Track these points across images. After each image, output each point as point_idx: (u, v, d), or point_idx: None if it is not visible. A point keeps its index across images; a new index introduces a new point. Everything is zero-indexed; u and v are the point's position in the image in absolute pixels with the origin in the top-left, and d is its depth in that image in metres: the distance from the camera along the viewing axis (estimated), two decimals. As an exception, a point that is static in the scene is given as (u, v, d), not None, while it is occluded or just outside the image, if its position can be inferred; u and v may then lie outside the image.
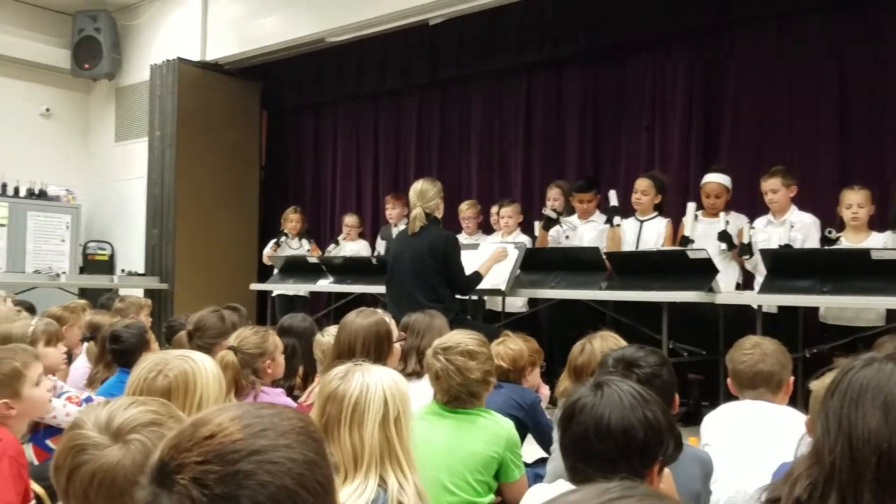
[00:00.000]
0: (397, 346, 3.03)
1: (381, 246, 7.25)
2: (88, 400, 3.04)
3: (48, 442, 2.78)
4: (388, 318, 2.98)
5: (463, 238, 6.24)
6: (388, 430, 1.68)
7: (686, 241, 4.90)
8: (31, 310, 4.86)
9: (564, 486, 1.49)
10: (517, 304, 5.91)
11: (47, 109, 9.24)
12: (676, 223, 5.28)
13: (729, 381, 2.54)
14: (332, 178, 8.77)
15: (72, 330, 3.97)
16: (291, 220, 7.45)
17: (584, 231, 5.76)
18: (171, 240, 8.20)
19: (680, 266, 4.47)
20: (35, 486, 2.37)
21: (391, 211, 7.08)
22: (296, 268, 6.91)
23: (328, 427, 1.68)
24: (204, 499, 0.77)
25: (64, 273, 8.00)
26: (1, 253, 8.43)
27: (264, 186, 9.14)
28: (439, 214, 4.79)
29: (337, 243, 7.30)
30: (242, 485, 0.77)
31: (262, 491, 0.77)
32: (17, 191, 8.57)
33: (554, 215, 5.61)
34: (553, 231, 5.73)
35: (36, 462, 2.73)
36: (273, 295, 7.21)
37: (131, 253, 8.87)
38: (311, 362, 3.71)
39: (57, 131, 9.36)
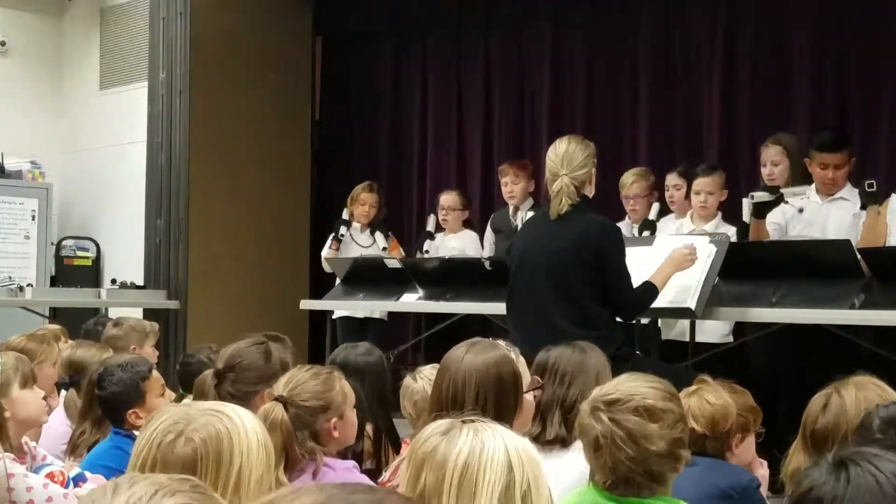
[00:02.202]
0: (529, 397, 3.02)
1: (492, 240, 7.35)
2: (79, 479, 3.13)
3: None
4: (515, 355, 2.98)
5: (626, 228, 6.21)
6: None
7: None
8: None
9: None
10: (716, 331, 5.86)
11: (2, 43, 9.59)
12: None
13: None
14: (420, 138, 8.89)
15: (42, 370, 4.04)
16: (364, 201, 7.56)
17: (827, 214, 5.64)
18: (182, 235, 8.44)
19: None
20: None
21: (512, 187, 7.14)
22: (368, 275, 7.03)
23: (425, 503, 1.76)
24: None
25: (29, 285, 8.24)
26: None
27: (319, 152, 9.27)
28: (591, 192, 4.78)
29: (431, 237, 7.38)
30: None
31: None
32: (-43, 164, 9.00)
33: (769, 197, 5.47)
34: (776, 214, 5.59)
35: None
36: (335, 317, 7.34)
37: (125, 255, 9.10)
38: (385, 416, 3.85)
39: (15, 75, 9.68)
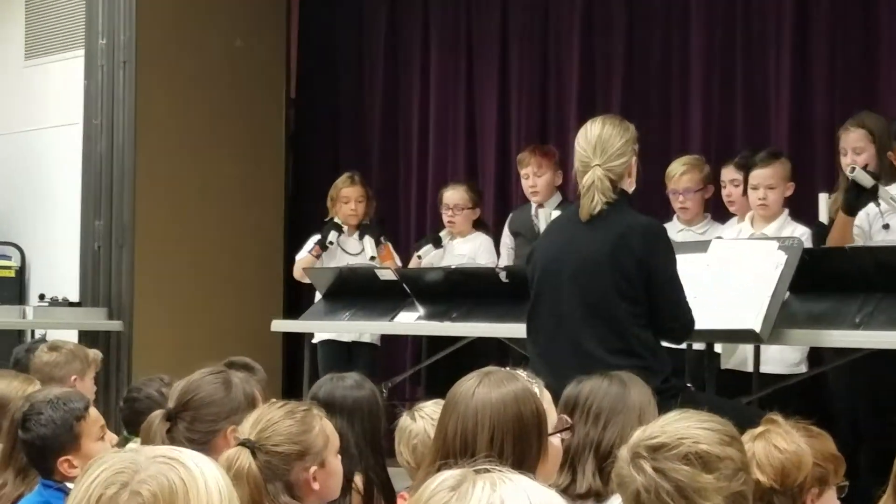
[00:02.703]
0: (556, 441, 3.01)
1: (511, 246, 7.37)
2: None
3: None
4: (538, 389, 2.98)
5: (674, 231, 6.20)
6: None
7: None
8: None
9: None
10: (785, 359, 5.85)
11: None
12: None
13: None
14: (420, 119, 8.91)
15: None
16: (347, 197, 7.59)
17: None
18: (127, 240, 8.43)
19: None
20: None
21: (535, 180, 7.11)
22: (356, 289, 7.03)
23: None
24: None
25: (-62, 302, 8.24)
26: None
27: (296, 136, 9.31)
28: (631, 186, 4.77)
29: (437, 244, 7.41)
30: None
31: None
32: None
33: (868, 181, 5.37)
34: (861, 217, 5.53)
35: None
36: (315, 341, 7.36)
37: (55, 264, 9.11)
38: (377, 464, 3.85)
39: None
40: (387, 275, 6.94)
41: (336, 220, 7.58)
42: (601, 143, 4.65)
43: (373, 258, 7.44)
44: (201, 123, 8.70)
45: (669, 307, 4.63)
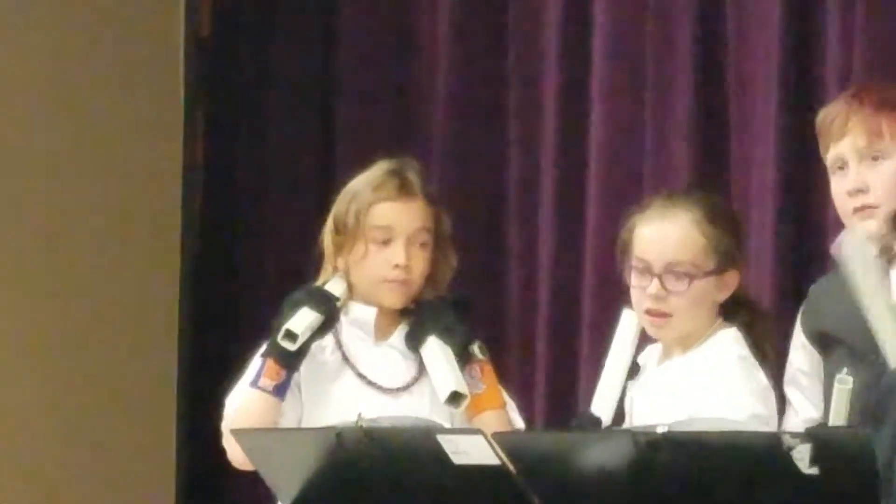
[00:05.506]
0: None
1: (809, 370, 5.14)
2: None
3: None
4: None
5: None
6: None
7: None
8: None
9: None
10: None
11: None
12: None
13: None
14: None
15: None
16: (388, 228, 4.89)
17: None
18: None
19: None
20: None
21: (864, 172, 4.87)
22: (384, 487, 4.38)
23: None
24: None
25: None
26: None
27: (208, 168, 7.43)
28: None
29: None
30: None
31: None
32: None
33: None
34: None
35: None
36: None
37: None
38: None
39: None
40: (476, 452, 4.05)
41: (330, 285, 4.79)
42: None
43: (456, 397, 4.63)
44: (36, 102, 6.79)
45: None
